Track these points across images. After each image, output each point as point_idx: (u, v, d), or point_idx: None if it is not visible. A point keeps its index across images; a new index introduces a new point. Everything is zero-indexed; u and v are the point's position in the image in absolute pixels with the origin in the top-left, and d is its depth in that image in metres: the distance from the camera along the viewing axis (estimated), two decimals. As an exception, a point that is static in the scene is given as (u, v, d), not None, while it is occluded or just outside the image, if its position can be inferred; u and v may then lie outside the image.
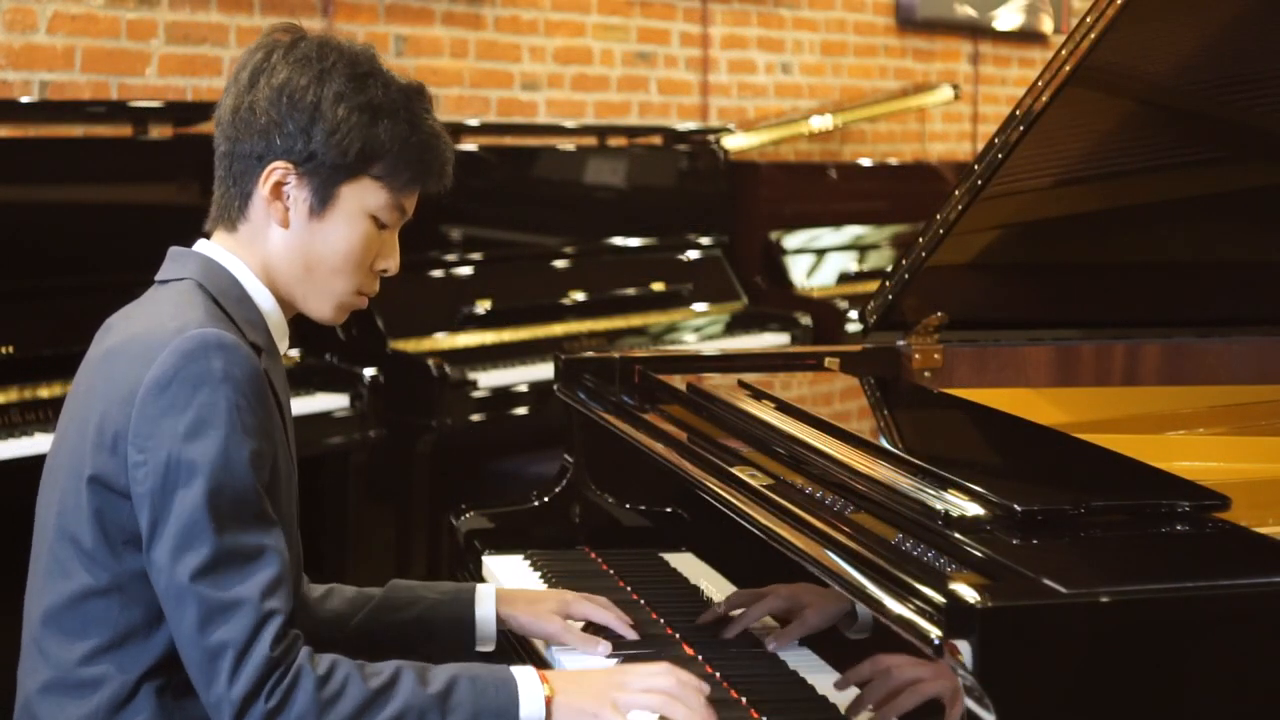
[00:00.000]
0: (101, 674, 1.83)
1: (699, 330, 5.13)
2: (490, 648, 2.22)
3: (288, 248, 1.94)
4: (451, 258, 4.58)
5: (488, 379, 4.27)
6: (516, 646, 2.26)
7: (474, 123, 4.95)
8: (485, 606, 2.20)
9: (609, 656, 2.12)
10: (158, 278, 1.97)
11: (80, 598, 1.84)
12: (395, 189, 1.95)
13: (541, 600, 2.24)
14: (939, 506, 1.81)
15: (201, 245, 1.98)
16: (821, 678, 1.95)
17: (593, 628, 2.20)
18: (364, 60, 1.95)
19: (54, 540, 1.86)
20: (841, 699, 1.91)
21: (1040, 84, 2.53)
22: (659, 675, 1.88)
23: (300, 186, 1.92)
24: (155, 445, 1.76)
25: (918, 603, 1.59)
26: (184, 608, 1.75)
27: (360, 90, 1.92)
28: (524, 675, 1.86)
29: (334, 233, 1.94)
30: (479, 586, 2.24)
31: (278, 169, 1.91)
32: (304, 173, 1.91)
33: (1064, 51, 2.50)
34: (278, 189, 1.92)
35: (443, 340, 4.38)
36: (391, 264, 2.00)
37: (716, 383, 2.55)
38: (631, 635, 2.17)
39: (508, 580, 2.50)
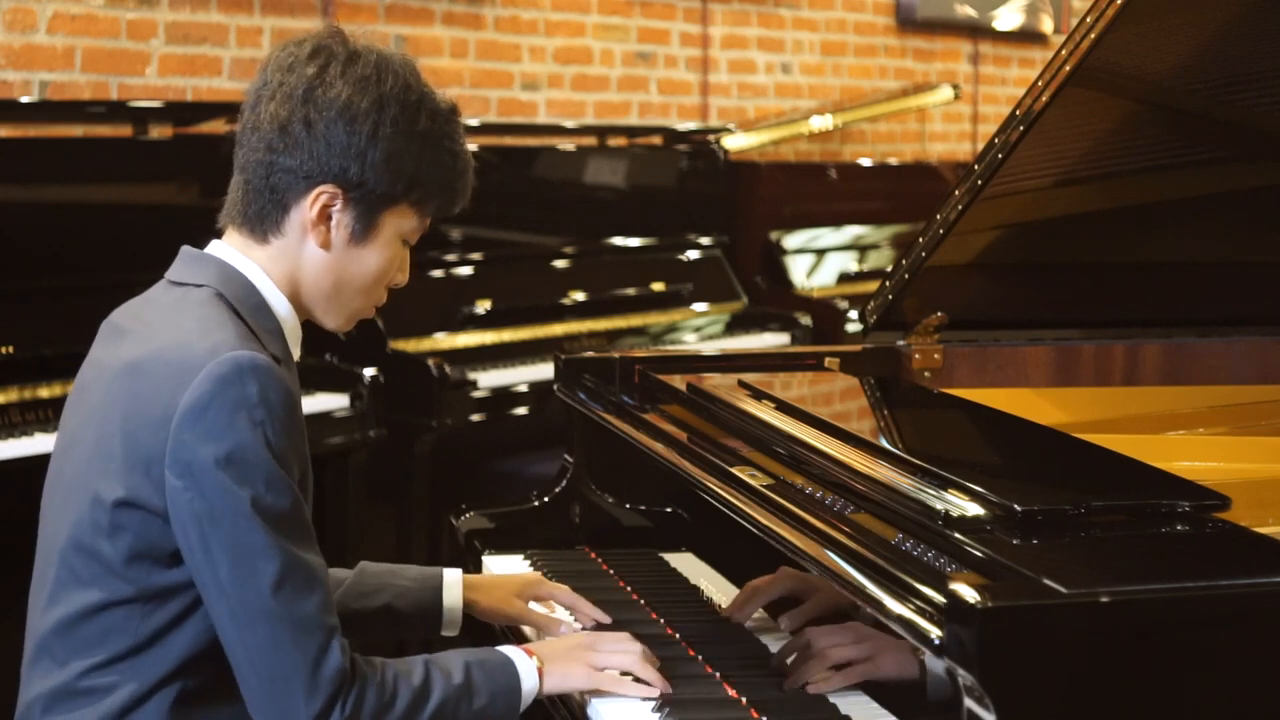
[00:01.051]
0: (114, 681, 1.83)
1: (699, 330, 5.13)
2: (455, 632, 2.26)
3: (324, 268, 1.93)
4: (451, 258, 4.58)
5: (488, 379, 4.27)
6: (506, 632, 2.28)
7: (474, 123, 4.95)
8: (453, 594, 2.24)
9: None
10: (170, 278, 1.94)
11: (99, 608, 1.83)
12: (426, 213, 1.97)
13: (504, 585, 2.28)
14: (939, 506, 1.80)
15: (215, 248, 1.95)
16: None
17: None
18: (415, 83, 1.93)
19: (67, 551, 1.84)
20: (843, 699, 1.92)
21: (1040, 84, 2.53)
22: (627, 640, 2.01)
23: (345, 211, 1.90)
24: (197, 472, 1.75)
25: (918, 603, 1.59)
26: (254, 628, 1.76)
27: (414, 119, 1.91)
28: (515, 654, 1.96)
29: (370, 258, 1.94)
30: (445, 572, 2.26)
31: (325, 192, 1.89)
32: (351, 198, 1.90)
33: (1064, 51, 2.50)
34: (324, 211, 1.90)
35: (443, 340, 4.38)
36: (404, 278, 2.01)
37: (716, 383, 2.54)
38: (603, 619, 2.21)
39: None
